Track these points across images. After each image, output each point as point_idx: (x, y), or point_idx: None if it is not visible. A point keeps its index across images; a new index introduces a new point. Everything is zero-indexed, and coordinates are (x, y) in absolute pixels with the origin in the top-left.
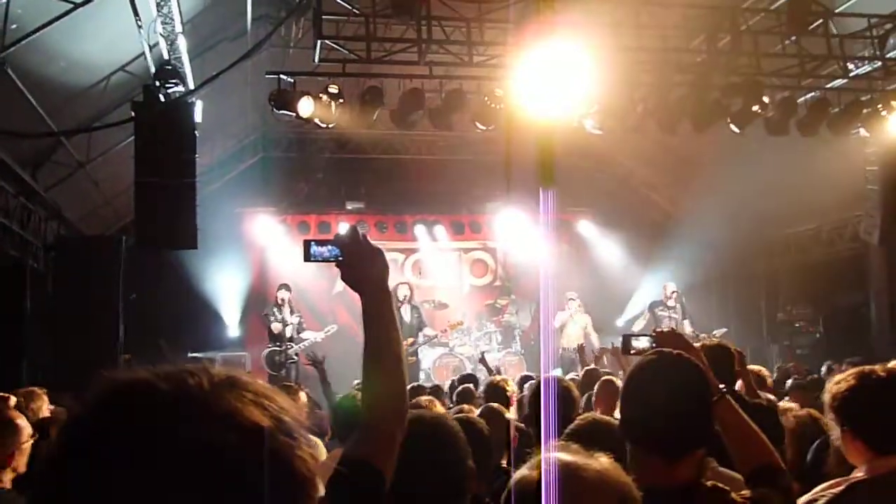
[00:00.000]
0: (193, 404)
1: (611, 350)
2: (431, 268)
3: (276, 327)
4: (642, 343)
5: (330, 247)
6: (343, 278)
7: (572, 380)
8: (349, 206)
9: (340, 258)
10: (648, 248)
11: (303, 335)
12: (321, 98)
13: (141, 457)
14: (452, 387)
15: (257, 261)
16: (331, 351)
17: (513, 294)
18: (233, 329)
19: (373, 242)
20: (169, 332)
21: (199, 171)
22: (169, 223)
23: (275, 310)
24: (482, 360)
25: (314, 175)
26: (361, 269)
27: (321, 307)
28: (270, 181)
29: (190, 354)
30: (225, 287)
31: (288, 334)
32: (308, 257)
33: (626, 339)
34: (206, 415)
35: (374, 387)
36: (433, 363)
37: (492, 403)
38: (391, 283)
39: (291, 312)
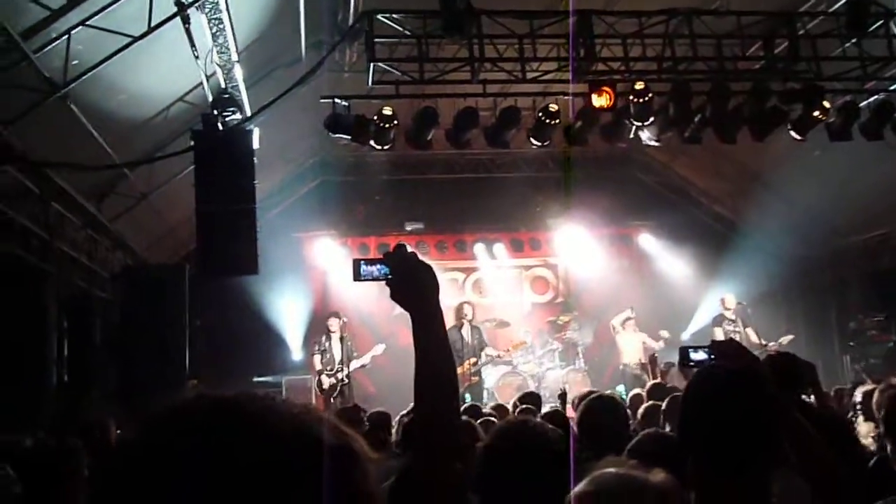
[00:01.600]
0: (258, 420)
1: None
2: (492, 286)
3: (316, 360)
4: (700, 355)
5: (379, 265)
6: (392, 297)
7: (637, 395)
8: (408, 227)
9: (389, 276)
10: (713, 260)
11: (353, 362)
12: (376, 120)
13: (200, 475)
14: (515, 406)
15: (319, 284)
16: (387, 374)
17: (575, 310)
18: (296, 353)
19: (422, 258)
20: (234, 356)
21: (258, 196)
22: (230, 249)
23: (323, 339)
24: (562, 397)
25: (372, 197)
26: (410, 286)
27: (382, 329)
28: (329, 205)
29: (255, 379)
30: (288, 311)
31: (337, 359)
32: (357, 276)
33: (684, 351)
34: (273, 432)
35: (424, 408)
36: (496, 382)
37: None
38: (453, 302)
39: (342, 339)
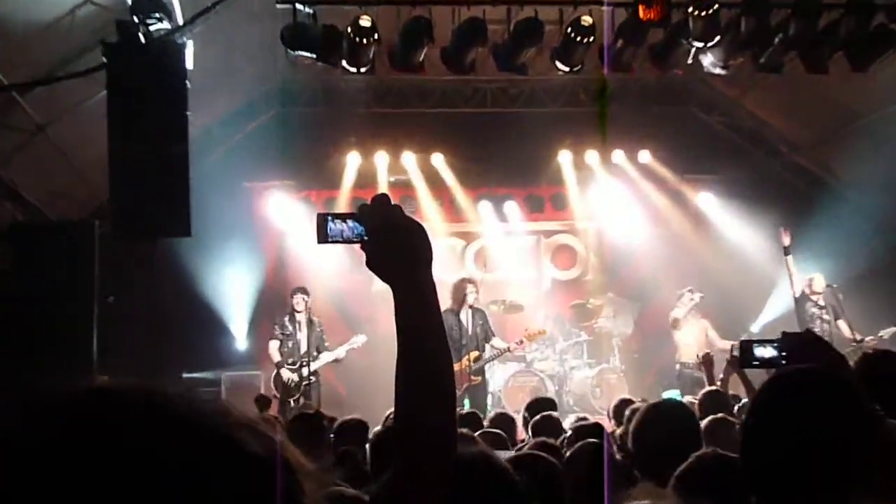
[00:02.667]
0: (178, 422)
1: (728, 362)
2: (501, 258)
3: (273, 350)
4: (767, 352)
5: (352, 223)
6: (369, 265)
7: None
8: (392, 178)
9: (365, 237)
10: (793, 227)
11: (322, 355)
12: (351, 34)
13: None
14: (524, 417)
15: (273, 250)
16: (362, 371)
17: (610, 292)
18: (241, 341)
19: (410, 215)
20: (159, 345)
21: (193, 134)
22: (155, 204)
23: (286, 321)
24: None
25: (345, 137)
26: (392, 250)
27: (357, 311)
28: (289, 146)
29: (185, 375)
30: (231, 286)
31: (302, 349)
32: (323, 237)
33: (746, 347)
34: (193, 436)
35: (409, 415)
36: (505, 384)
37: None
38: (449, 278)
39: (311, 324)
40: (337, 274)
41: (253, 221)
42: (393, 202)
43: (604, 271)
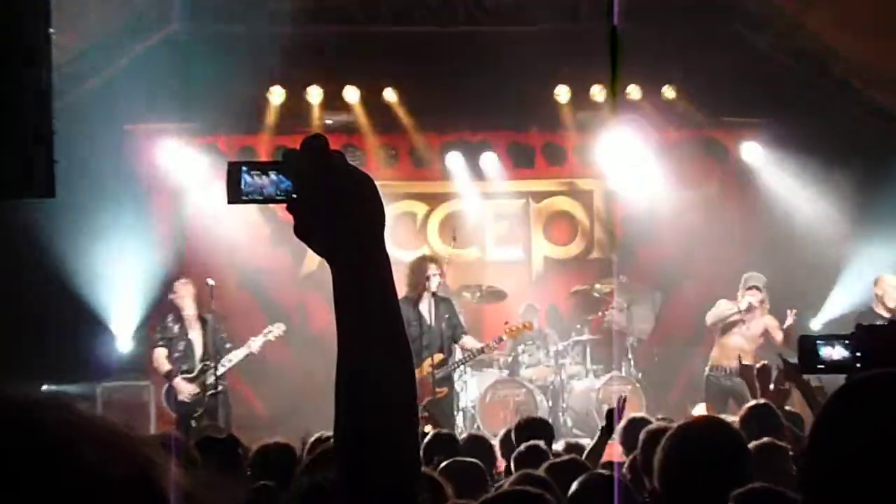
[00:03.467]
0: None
1: (781, 368)
2: (476, 229)
3: (160, 356)
4: (837, 352)
5: (275, 175)
6: (298, 231)
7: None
8: (328, 120)
9: (293, 195)
10: (869, 189)
11: (227, 357)
12: None
13: None
14: (508, 441)
15: (167, 217)
16: (289, 376)
17: (622, 275)
18: (124, 343)
19: (355, 165)
20: (11, 350)
21: (59, 58)
22: (3, 154)
23: (169, 320)
24: (609, 420)
25: (266, 65)
26: (330, 213)
27: (281, 298)
28: (188, 76)
29: (45, 387)
30: (110, 269)
31: (198, 352)
32: (236, 195)
33: (808, 346)
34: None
35: (353, 439)
36: (481, 397)
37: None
38: (406, 256)
39: (203, 322)
40: (253, 247)
41: (138, 177)
42: (331, 148)
43: (614, 248)
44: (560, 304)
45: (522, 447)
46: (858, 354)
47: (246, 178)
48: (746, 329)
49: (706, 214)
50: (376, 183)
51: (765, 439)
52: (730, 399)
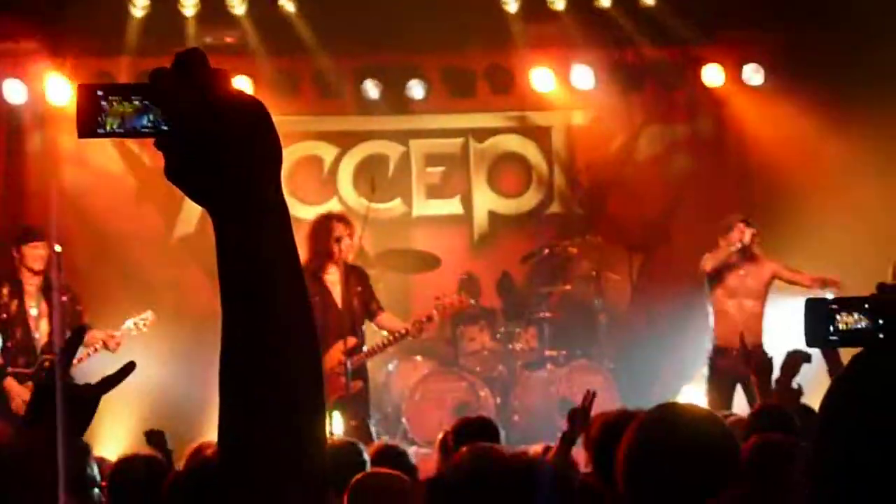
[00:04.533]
0: None
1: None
2: (400, 177)
3: None
4: (853, 319)
5: (140, 100)
6: (170, 173)
7: (729, 416)
8: (207, 38)
9: (163, 126)
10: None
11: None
12: None
13: None
14: (446, 449)
15: None
16: (158, 370)
17: (588, 233)
18: None
19: (242, 90)
20: None
21: None
22: None
23: (4, 294)
24: (573, 423)
25: None
26: (212, 149)
27: (149, 272)
28: None
29: None
30: None
31: (40, 339)
32: (90, 126)
33: (818, 311)
34: None
35: (241, 447)
36: (409, 393)
37: None
38: (306, 214)
39: (46, 294)
40: (112, 203)
41: None
42: (211, 66)
43: (580, 200)
44: (510, 272)
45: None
46: (881, 323)
47: (103, 104)
48: (749, 279)
49: (694, 156)
50: (270, 116)
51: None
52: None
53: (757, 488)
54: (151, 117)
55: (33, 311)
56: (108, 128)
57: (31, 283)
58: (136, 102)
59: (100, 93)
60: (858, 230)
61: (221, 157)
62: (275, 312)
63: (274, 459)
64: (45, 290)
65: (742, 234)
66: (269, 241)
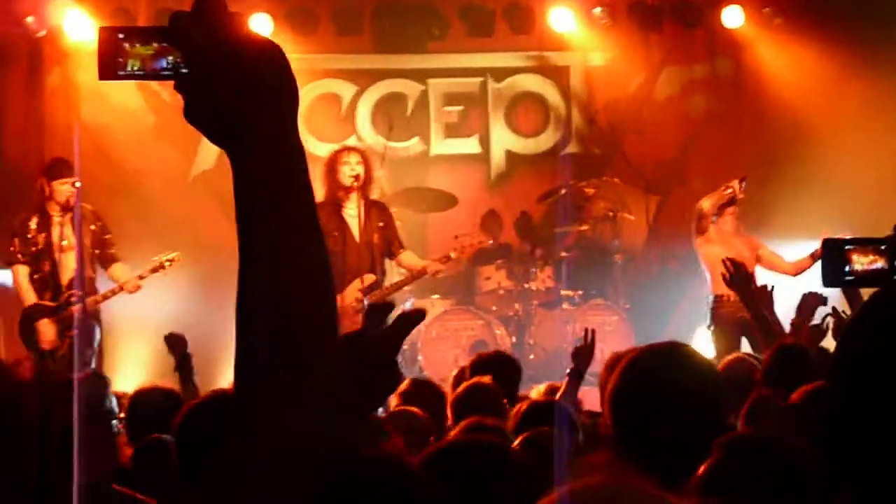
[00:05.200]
0: None
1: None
2: (419, 115)
3: (22, 280)
4: (869, 259)
5: (159, 41)
6: (189, 114)
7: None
8: None
9: (182, 68)
10: None
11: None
12: None
13: None
14: (461, 382)
15: (16, 99)
16: (181, 308)
17: (605, 174)
18: None
19: (258, 33)
20: None
21: None
22: None
23: (32, 226)
24: (579, 352)
25: None
26: (229, 90)
27: (168, 210)
28: None
29: None
30: None
31: (67, 272)
32: (111, 68)
33: (835, 251)
34: None
35: (255, 391)
36: (425, 331)
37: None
38: (322, 150)
39: (79, 224)
40: (130, 141)
41: None
42: (228, 9)
43: (598, 140)
44: (529, 212)
45: (468, 386)
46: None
47: (124, 46)
48: (736, 243)
49: (713, 98)
50: (287, 55)
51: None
52: (742, 337)
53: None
54: (171, 59)
55: (61, 240)
56: (128, 69)
57: (59, 217)
58: (156, 45)
59: (121, 35)
60: (878, 173)
61: (239, 99)
62: (290, 254)
63: (288, 398)
64: (74, 219)
65: (726, 196)
66: (282, 180)
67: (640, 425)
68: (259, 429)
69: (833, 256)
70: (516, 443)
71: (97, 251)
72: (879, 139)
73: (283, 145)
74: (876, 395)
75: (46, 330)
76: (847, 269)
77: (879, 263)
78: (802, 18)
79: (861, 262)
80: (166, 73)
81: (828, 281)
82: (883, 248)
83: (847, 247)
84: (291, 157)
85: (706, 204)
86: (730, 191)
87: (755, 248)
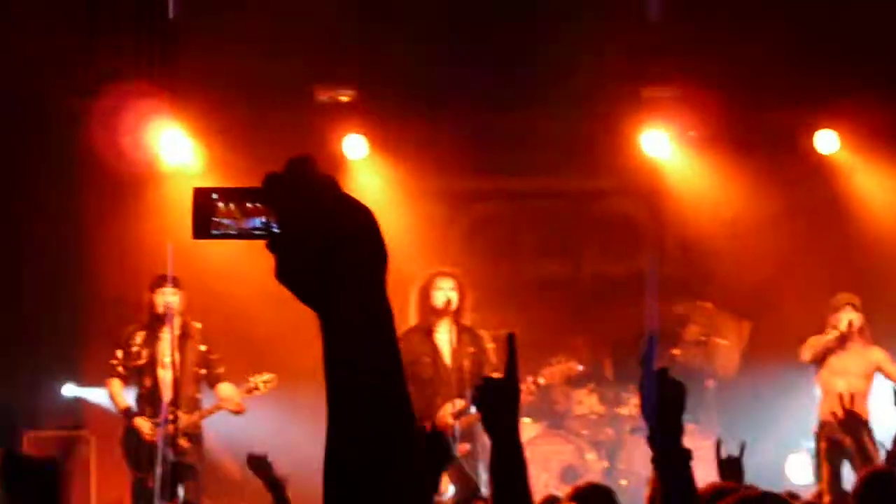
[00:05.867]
0: None
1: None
2: (511, 237)
3: (117, 392)
4: None
5: (252, 202)
6: (279, 274)
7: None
8: (323, 96)
9: (273, 229)
10: None
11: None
12: None
13: None
14: None
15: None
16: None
17: (698, 298)
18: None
19: (348, 194)
20: None
21: None
22: None
23: (136, 339)
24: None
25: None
26: (320, 254)
27: (269, 333)
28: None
29: None
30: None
31: (166, 395)
32: (204, 228)
33: None
34: None
35: None
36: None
37: None
38: (414, 269)
39: (185, 339)
40: (222, 258)
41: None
42: (321, 171)
43: (689, 263)
44: (618, 335)
45: None
46: None
47: (218, 206)
48: (852, 364)
49: (809, 224)
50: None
51: None
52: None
53: None
54: (264, 220)
55: (163, 356)
56: (220, 231)
57: (163, 330)
58: (249, 205)
59: (214, 196)
60: None
61: (328, 262)
62: (377, 419)
63: None
64: (182, 339)
65: (839, 321)
66: (373, 348)
67: None
68: None
69: None
70: None
71: (203, 371)
72: None
73: (370, 308)
74: None
75: (146, 427)
76: None
77: None
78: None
79: None
80: (259, 232)
81: None
82: None
83: None
84: (378, 319)
85: (807, 356)
86: (835, 334)
87: (876, 363)
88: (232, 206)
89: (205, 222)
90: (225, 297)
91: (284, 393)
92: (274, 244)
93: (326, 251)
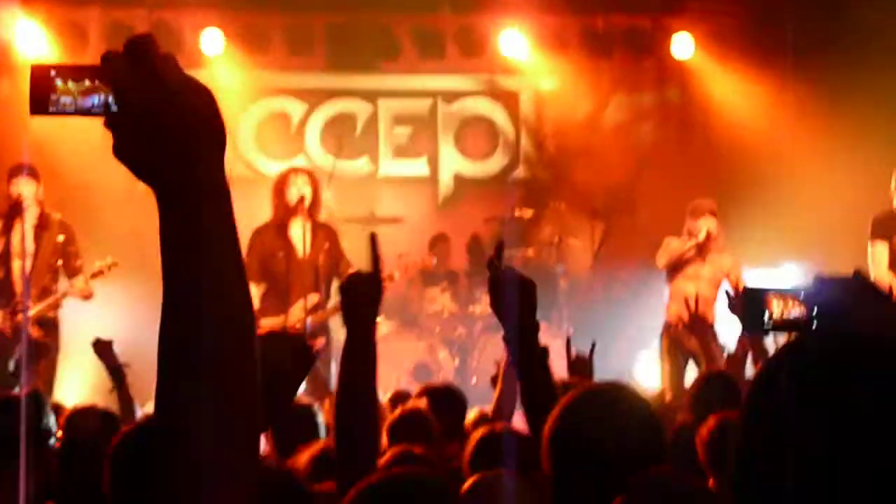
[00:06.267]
0: None
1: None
2: (368, 136)
3: None
4: (789, 307)
5: (90, 80)
6: (118, 152)
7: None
8: None
9: (113, 107)
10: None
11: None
12: None
13: None
14: (396, 404)
15: None
16: (125, 323)
17: (552, 199)
18: None
19: (189, 75)
20: None
21: None
22: None
23: None
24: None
25: None
26: (157, 131)
27: (113, 224)
28: None
29: None
30: None
31: (17, 285)
32: (41, 104)
33: (754, 299)
34: None
35: (173, 422)
36: None
37: None
38: (273, 170)
39: (40, 231)
40: (75, 150)
41: None
42: (160, 50)
43: (547, 164)
44: (479, 234)
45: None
46: (817, 311)
47: (56, 83)
48: (705, 270)
49: (661, 126)
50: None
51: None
52: (690, 361)
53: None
54: (102, 98)
55: (14, 253)
56: (59, 106)
57: (18, 222)
58: (88, 83)
59: (53, 73)
60: (823, 208)
61: (167, 140)
62: (212, 299)
63: (205, 438)
64: (38, 229)
65: (698, 230)
66: (210, 226)
67: (577, 470)
68: (185, 453)
69: (753, 304)
70: (465, 486)
71: (60, 262)
72: (827, 173)
73: (210, 189)
74: (776, 444)
75: None
76: (767, 316)
77: (798, 312)
78: (752, 50)
79: (781, 310)
80: (96, 110)
81: (747, 326)
82: (803, 295)
83: (768, 295)
84: (218, 202)
85: (661, 262)
86: (691, 242)
87: (726, 271)
88: (70, 83)
89: (42, 99)
90: (86, 189)
91: (142, 285)
92: (111, 122)
93: (164, 130)
